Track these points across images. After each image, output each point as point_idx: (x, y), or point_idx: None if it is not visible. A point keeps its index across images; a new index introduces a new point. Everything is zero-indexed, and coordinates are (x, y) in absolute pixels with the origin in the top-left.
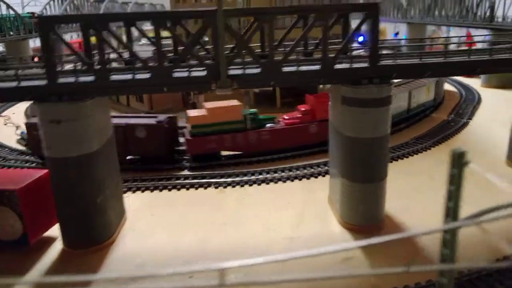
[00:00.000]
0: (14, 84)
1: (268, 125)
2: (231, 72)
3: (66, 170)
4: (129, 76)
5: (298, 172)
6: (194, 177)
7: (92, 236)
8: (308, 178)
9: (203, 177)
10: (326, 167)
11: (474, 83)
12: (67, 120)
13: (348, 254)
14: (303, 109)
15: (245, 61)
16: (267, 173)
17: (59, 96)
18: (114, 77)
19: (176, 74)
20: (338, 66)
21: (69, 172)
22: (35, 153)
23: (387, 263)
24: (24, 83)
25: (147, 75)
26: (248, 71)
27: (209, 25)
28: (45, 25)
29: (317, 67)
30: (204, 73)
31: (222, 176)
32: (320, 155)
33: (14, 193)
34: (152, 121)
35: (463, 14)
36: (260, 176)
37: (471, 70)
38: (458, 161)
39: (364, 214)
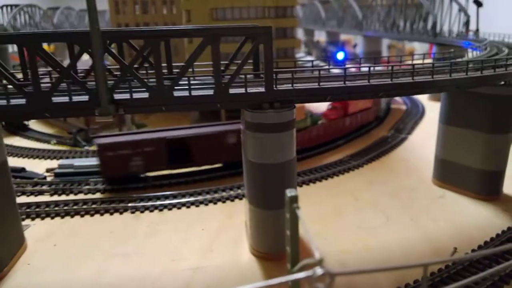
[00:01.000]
0: None
1: (319, 122)
2: (118, 96)
3: None
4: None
5: (216, 194)
6: (111, 201)
7: None
8: (232, 200)
9: (121, 201)
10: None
11: (423, 96)
12: None
13: None
14: (337, 105)
15: (131, 85)
16: (188, 196)
17: None
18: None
19: (55, 99)
20: (233, 91)
21: None
22: (106, 175)
23: None
24: None
25: (22, 101)
26: (136, 95)
27: (84, 48)
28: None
29: (210, 91)
30: (86, 98)
31: (141, 200)
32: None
33: None
34: (234, 127)
35: (414, 28)
36: (180, 200)
37: (374, 94)
38: (290, 206)
39: (271, 241)
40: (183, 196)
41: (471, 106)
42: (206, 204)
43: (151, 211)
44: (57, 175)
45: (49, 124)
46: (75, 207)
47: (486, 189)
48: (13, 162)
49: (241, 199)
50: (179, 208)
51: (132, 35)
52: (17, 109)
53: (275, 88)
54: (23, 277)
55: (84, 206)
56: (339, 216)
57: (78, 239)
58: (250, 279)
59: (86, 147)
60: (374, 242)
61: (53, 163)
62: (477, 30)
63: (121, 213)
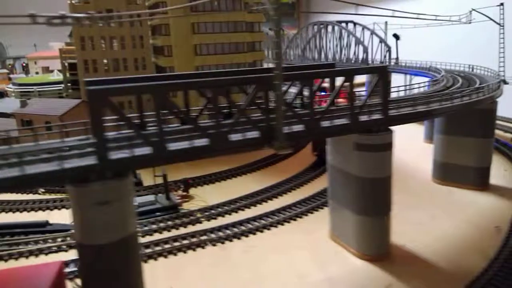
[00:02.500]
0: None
1: None
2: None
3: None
4: (186, 144)
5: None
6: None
7: None
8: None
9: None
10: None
11: None
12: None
13: (388, 282)
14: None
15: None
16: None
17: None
18: (172, 145)
19: (232, 138)
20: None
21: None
22: None
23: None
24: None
25: (204, 141)
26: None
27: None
28: (97, 99)
29: (345, 120)
30: (257, 134)
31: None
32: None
33: None
34: None
35: (344, 56)
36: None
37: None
38: None
39: (378, 244)
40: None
41: (466, 119)
42: (282, 224)
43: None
44: None
45: None
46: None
47: (481, 181)
48: (14, 218)
49: (302, 216)
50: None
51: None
52: (200, 149)
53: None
54: None
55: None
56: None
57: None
58: (374, 276)
59: None
60: (433, 234)
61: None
62: (397, 58)
63: (203, 247)
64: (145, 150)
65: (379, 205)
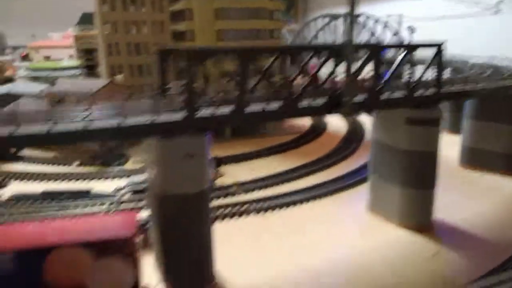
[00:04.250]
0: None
1: None
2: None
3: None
4: (259, 108)
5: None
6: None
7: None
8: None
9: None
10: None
11: None
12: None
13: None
14: None
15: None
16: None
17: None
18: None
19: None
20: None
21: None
22: None
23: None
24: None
25: (276, 105)
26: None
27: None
28: (196, 58)
29: (402, 94)
30: (323, 101)
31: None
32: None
33: (130, 240)
34: None
35: None
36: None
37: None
38: None
39: (422, 216)
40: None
41: (499, 105)
42: (319, 199)
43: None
44: (135, 192)
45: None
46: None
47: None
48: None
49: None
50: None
51: None
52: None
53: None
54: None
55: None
56: None
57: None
58: (419, 245)
59: (119, 166)
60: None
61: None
62: None
63: (246, 216)
64: (226, 111)
65: (425, 178)
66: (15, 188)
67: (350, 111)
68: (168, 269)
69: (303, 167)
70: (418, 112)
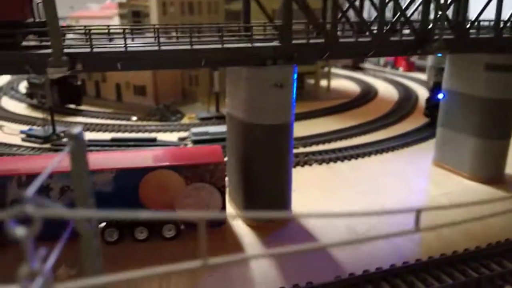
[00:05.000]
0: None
1: None
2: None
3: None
4: (351, 39)
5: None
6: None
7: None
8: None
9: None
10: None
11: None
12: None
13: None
14: None
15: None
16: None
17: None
18: (341, 40)
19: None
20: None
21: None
22: None
23: None
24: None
25: (368, 39)
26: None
27: None
28: None
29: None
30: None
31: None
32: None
33: (220, 166)
34: None
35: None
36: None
37: None
38: None
39: (494, 167)
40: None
41: None
42: (384, 153)
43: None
44: (194, 142)
45: (98, 105)
46: None
47: None
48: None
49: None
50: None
51: None
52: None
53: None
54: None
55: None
56: None
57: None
58: (492, 195)
59: (175, 120)
60: None
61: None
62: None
63: (310, 165)
64: (319, 40)
65: (502, 128)
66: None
67: (441, 47)
68: (246, 202)
69: (361, 125)
70: (499, 58)
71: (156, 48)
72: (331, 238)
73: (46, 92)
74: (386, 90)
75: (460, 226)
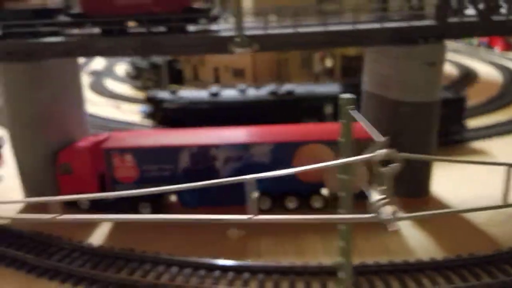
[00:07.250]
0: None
1: None
2: None
3: None
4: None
5: None
6: None
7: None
8: None
9: None
10: None
11: None
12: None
13: None
14: None
15: None
16: None
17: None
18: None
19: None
20: None
21: None
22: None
23: None
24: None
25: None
26: None
27: None
28: None
29: None
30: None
31: None
32: None
33: (370, 141)
34: None
35: None
36: None
37: None
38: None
39: None
40: None
41: None
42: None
43: None
44: None
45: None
46: None
47: None
48: None
49: None
50: None
51: None
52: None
53: None
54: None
55: None
56: None
57: None
58: None
59: None
60: None
61: None
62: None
63: None
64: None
65: None
66: None
67: None
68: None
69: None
70: None
71: (321, 29)
72: None
73: (163, 73)
74: (486, 72)
75: None
